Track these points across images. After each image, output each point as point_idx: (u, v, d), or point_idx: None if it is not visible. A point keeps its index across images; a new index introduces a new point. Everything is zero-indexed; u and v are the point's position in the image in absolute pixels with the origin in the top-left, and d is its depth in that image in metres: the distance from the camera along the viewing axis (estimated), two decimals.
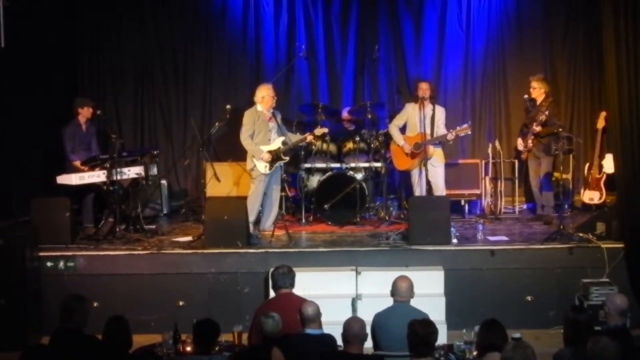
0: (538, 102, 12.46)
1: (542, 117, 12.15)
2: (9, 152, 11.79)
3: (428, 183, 12.24)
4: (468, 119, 13.70)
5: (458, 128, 12.06)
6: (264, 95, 11.85)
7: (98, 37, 14.67)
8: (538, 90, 12.49)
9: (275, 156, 11.82)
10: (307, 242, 11.63)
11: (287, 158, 12.11)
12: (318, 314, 7.52)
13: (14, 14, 11.39)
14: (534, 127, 12.28)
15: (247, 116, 11.93)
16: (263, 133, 11.87)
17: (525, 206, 13.72)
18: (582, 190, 13.35)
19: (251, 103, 12.17)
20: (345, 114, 13.80)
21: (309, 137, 12.09)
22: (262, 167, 11.78)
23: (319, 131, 12.04)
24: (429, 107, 12.27)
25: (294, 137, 12.22)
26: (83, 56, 14.68)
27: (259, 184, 11.90)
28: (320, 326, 7.54)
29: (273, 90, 11.97)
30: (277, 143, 11.90)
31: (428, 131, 12.14)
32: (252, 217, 11.71)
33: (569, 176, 13.49)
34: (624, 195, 10.96)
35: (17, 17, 11.54)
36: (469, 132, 12.30)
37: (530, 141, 12.38)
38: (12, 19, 11.38)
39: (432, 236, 10.86)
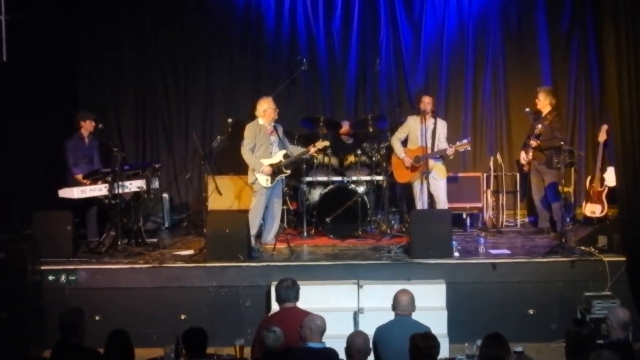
0: (543, 114, 12.48)
1: (538, 130, 12.19)
2: (10, 165, 11.78)
3: (430, 196, 12.26)
4: (469, 133, 13.77)
5: (458, 143, 12.09)
6: (266, 109, 11.87)
7: (99, 50, 14.67)
8: (542, 102, 12.50)
9: (276, 169, 11.83)
10: (308, 255, 11.63)
11: (289, 171, 12.10)
12: (325, 327, 7.52)
13: (15, 28, 11.41)
14: (531, 141, 12.31)
15: (249, 129, 11.94)
16: (264, 146, 11.88)
17: (527, 219, 13.70)
18: (583, 204, 13.33)
19: (252, 116, 12.17)
20: (345, 127, 13.80)
21: (311, 150, 12.11)
22: (264, 180, 11.79)
23: (320, 144, 12.06)
24: (430, 121, 12.31)
25: (296, 150, 12.23)
26: (84, 69, 14.68)
27: (260, 197, 11.90)
28: (321, 340, 7.53)
29: (274, 103, 12.00)
30: (278, 156, 11.91)
31: (429, 145, 12.17)
32: (253, 231, 11.71)
33: (571, 189, 13.51)
34: (626, 209, 10.96)
35: (19, 31, 11.56)
36: (469, 148, 12.34)
37: (530, 154, 12.40)
38: (14, 33, 11.41)
39: (433, 249, 10.85)
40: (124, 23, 14.72)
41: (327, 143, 12.24)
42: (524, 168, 12.77)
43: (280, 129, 12.14)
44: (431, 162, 12.21)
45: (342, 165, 13.45)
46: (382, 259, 11.05)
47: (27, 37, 12.07)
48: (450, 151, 12.09)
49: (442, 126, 12.47)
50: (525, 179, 13.30)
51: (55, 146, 12.58)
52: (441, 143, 12.31)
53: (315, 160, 13.04)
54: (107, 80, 14.75)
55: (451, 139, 12.44)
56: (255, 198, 11.97)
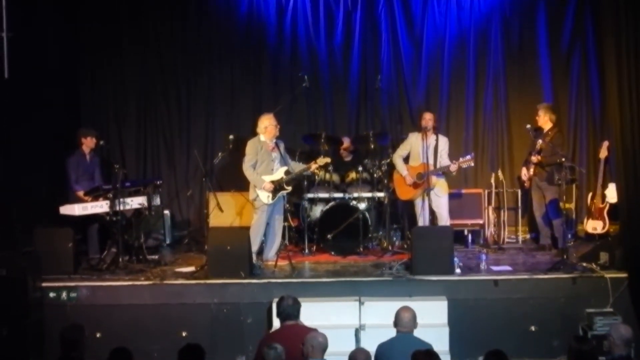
0: (544, 131, 12.49)
1: (539, 146, 12.20)
2: (12, 182, 11.78)
3: (432, 213, 12.26)
4: (470, 149, 13.78)
5: (461, 160, 12.08)
6: (267, 125, 11.88)
7: (101, 67, 14.71)
8: (542, 118, 12.54)
9: (277, 186, 11.83)
10: (310, 272, 11.62)
11: (290, 188, 12.09)
12: (326, 344, 7.51)
13: (16, 45, 11.43)
14: (532, 157, 12.33)
15: (250, 146, 11.95)
16: (266, 163, 11.89)
17: (529, 236, 13.68)
18: (585, 220, 13.33)
19: (254, 133, 12.18)
20: (346, 144, 13.80)
21: (312, 167, 12.11)
22: (265, 197, 11.79)
23: (321, 160, 12.05)
24: (432, 137, 12.32)
25: (297, 167, 12.24)
26: (86, 86, 14.71)
27: (261, 214, 11.90)
28: (323, 357, 7.52)
29: (275, 120, 12.01)
30: (279, 173, 11.91)
31: (431, 161, 12.18)
32: (255, 247, 11.70)
33: (572, 206, 13.50)
34: (627, 225, 10.96)
35: (20, 47, 11.57)
36: (472, 164, 12.35)
37: (531, 170, 12.42)
38: (15, 50, 11.42)
39: (435, 266, 10.84)
40: (126, 41, 14.74)
41: (328, 160, 12.24)
42: (525, 184, 12.78)
43: (281, 146, 12.15)
44: (433, 178, 12.21)
45: (344, 182, 13.47)
46: (384, 275, 11.03)
47: (28, 54, 12.08)
48: (453, 167, 12.08)
49: (443, 142, 12.48)
50: (527, 196, 13.31)
51: (57, 163, 12.60)
52: (443, 159, 12.32)
53: (316, 177, 13.07)
54: (109, 97, 14.77)
55: (452, 155, 12.45)
56: (257, 214, 11.96)
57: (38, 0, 12.53)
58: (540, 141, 12.26)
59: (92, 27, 14.55)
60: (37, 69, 12.47)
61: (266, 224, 11.99)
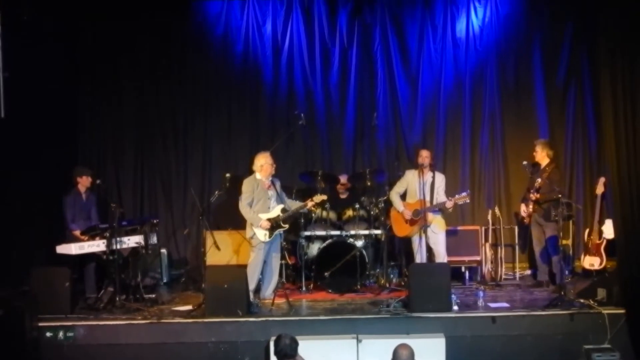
0: (542, 166, 12.53)
1: (537, 184, 12.22)
2: (8, 221, 11.78)
3: (429, 250, 12.28)
4: (467, 186, 13.83)
5: (457, 196, 12.12)
6: (263, 164, 11.92)
7: (98, 107, 14.79)
8: (540, 154, 12.59)
9: (274, 224, 11.83)
10: (307, 310, 11.59)
11: (287, 226, 12.11)
12: None
13: (14, 84, 11.47)
14: (531, 194, 12.35)
15: (246, 184, 11.97)
16: (262, 201, 11.90)
17: (529, 272, 13.66)
18: (582, 256, 13.33)
19: (251, 171, 12.20)
20: (343, 181, 13.82)
21: (309, 204, 12.12)
22: (262, 235, 11.79)
23: (318, 198, 12.08)
24: (429, 175, 12.35)
25: (294, 205, 12.25)
26: (83, 125, 14.79)
27: (258, 252, 11.89)
28: None
29: (271, 158, 12.04)
30: (276, 211, 11.92)
31: (428, 198, 12.20)
32: (252, 286, 11.68)
33: (569, 242, 13.51)
34: (625, 261, 10.96)
35: (18, 87, 11.61)
36: (468, 201, 12.36)
37: (530, 207, 12.44)
38: (12, 89, 11.45)
39: (432, 303, 10.82)
40: (124, 80, 14.84)
41: (324, 197, 12.26)
42: (525, 221, 12.78)
43: (277, 184, 12.17)
44: (430, 215, 12.23)
45: (341, 219, 13.48)
46: (381, 313, 11.00)
47: (26, 93, 12.12)
48: (449, 204, 12.12)
49: (440, 179, 12.52)
50: (524, 232, 13.32)
51: (54, 202, 12.61)
52: (440, 196, 12.35)
53: (313, 215, 13.09)
54: (106, 136, 14.85)
55: (450, 192, 12.46)
56: (254, 253, 11.96)
57: (36, 41, 12.58)
58: (539, 180, 12.27)
59: (90, 67, 14.69)
60: (34, 109, 12.51)
61: (263, 262, 11.97)
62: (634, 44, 10.76)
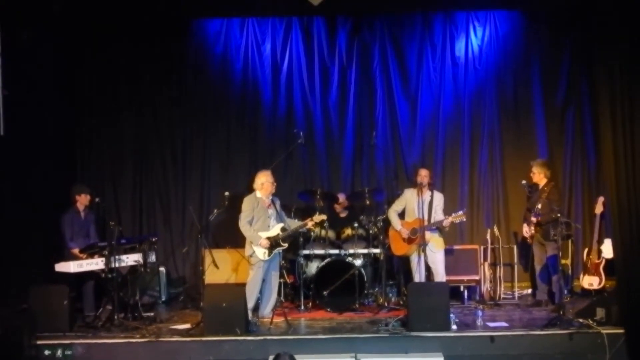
0: (540, 187, 12.54)
1: (539, 207, 12.23)
2: (7, 240, 11.77)
3: (427, 269, 12.28)
4: (466, 205, 13.85)
5: (454, 215, 12.16)
6: (264, 182, 11.93)
7: (97, 125, 14.81)
8: (538, 175, 12.62)
9: (274, 242, 11.83)
10: (306, 329, 11.56)
11: (286, 244, 12.11)
12: None
13: (13, 102, 11.49)
14: (532, 218, 12.35)
15: (246, 202, 11.98)
16: (262, 219, 11.91)
17: (530, 291, 13.66)
18: (581, 276, 13.33)
19: (250, 190, 12.21)
20: (341, 200, 13.83)
21: (308, 224, 12.14)
22: (261, 253, 11.78)
23: (317, 218, 12.09)
24: (427, 193, 12.36)
25: (293, 224, 12.26)
26: (82, 143, 14.80)
27: (257, 270, 11.88)
28: None
29: (272, 177, 12.05)
30: (276, 229, 11.92)
31: (426, 217, 12.21)
32: (251, 304, 11.68)
33: (568, 261, 13.51)
34: (624, 281, 10.96)
35: (17, 105, 11.63)
36: (464, 219, 12.42)
37: (532, 228, 12.44)
38: (12, 107, 11.47)
39: (431, 322, 10.80)
40: (123, 98, 14.85)
41: (324, 217, 12.27)
42: (528, 241, 12.76)
43: (277, 202, 12.18)
44: (428, 234, 12.23)
45: (339, 238, 13.50)
46: (380, 332, 10.97)
47: (25, 111, 12.13)
48: (446, 222, 12.16)
49: (438, 198, 12.54)
50: (524, 251, 13.34)
51: (53, 220, 12.60)
52: (438, 215, 12.38)
53: (312, 233, 13.09)
54: (105, 154, 14.84)
55: (448, 211, 12.46)
56: (253, 271, 11.95)
57: (36, 60, 12.61)
58: (539, 204, 12.26)
59: (89, 86, 14.71)
60: (34, 127, 12.52)
61: (262, 280, 11.96)
62: (633, 64, 10.80)
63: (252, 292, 11.83)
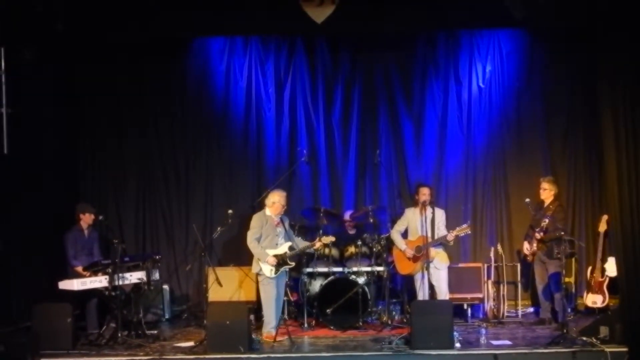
0: (546, 204, 12.54)
1: (544, 224, 12.22)
2: (10, 258, 11.79)
3: (431, 287, 12.25)
4: (469, 223, 13.78)
5: (457, 228, 12.15)
6: (275, 201, 11.96)
7: (100, 143, 14.84)
8: (548, 192, 12.62)
9: (281, 261, 11.82)
10: (309, 347, 11.55)
11: (293, 263, 12.11)
12: None
13: (16, 121, 11.52)
14: (536, 234, 12.34)
15: (256, 219, 12.00)
16: (270, 237, 11.92)
17: (531, 309, 13.65)
18: (585, 294, 13.31)
19: (256, 206, 12.22)
20: (347, 217, 13.84)
21: (317, 244, 12.14)
22: (268, 270, 11.77)
23: (326, 239, 12.09)
24: (429, 211, 12.35)
25: (301, 243, 12.28)
26: (85, 161, 14.83)
27: (267, 285, 11.84)
28: None
29: (285, 199, 12.09)
30: (283, 248, 11.93)
31: (429, 234, 12.21)
32: (274, 322, 11.77)
33: (572, 279, 13.51)
34: (627, 299, 10.94)
35: (20, 123, 11.66)
36: (469, 232, 12.38)
37: (534, 245, 12.43)
38: (15, 126, 11.50)
39: (435, 340, 10.77)
40: (126, 116, 14.89)
41: (332, 238, 12.27)
42: (528, 259, 12.75)
43: (286, 221, 12.20)
44: (432, 250, 12.23)
45: (343, 256, 13.48)
46: (383, 350, 10.95)
47: (28, 129, 12.17)
48: (450, 237, 12.16)
49: (440, 214, 12.56)
50: (526, 269, 13.31)
51: (56, 238, 12.62)
52: (440, 230, 12.38)
53: (315, 252, 13.06)
54: (108, 172, 14.88)
55: (452, 228, 12.44)
56: (263, 287, 11.93)
57: (39, 78, 12.66)
58: (546, 220, 12.25)
59: (93, 106, 14.75)
60: (37, 145, 12.57)
61: (276, 294, 11.95)
62: (637, 83, 10.82)
63: (269, 308, 11.81)
